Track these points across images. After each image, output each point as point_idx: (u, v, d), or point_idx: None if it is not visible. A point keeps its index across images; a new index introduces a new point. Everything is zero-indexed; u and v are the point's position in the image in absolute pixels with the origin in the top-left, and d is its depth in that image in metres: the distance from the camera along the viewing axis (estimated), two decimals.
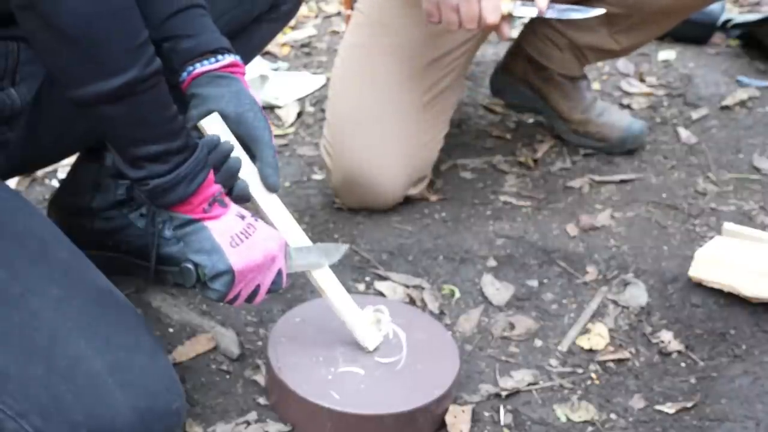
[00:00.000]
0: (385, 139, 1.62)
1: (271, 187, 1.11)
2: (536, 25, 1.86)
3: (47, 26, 0.87)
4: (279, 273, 1.09)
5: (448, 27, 1.43)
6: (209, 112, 1.08)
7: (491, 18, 1.38)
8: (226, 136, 1.08)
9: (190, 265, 1.03)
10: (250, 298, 1.08)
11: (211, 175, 1.01)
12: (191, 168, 0.97)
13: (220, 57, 1.09)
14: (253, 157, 1.11)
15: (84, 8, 0.86)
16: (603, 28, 1.78)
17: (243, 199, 1.08)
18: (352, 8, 1.80)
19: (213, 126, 1.08)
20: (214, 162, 1.04)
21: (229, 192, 1.07)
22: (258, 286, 1.07)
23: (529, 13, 1.41)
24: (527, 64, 1.91)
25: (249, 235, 1.03)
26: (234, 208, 1.04)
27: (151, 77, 0.92)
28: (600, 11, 1.49)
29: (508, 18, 1.42)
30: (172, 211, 1.00)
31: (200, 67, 1.08)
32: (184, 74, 1.09)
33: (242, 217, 1.04)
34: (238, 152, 1.09)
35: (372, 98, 1.63)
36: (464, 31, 1.43)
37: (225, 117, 1.08)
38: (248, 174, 1.09)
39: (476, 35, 1.67)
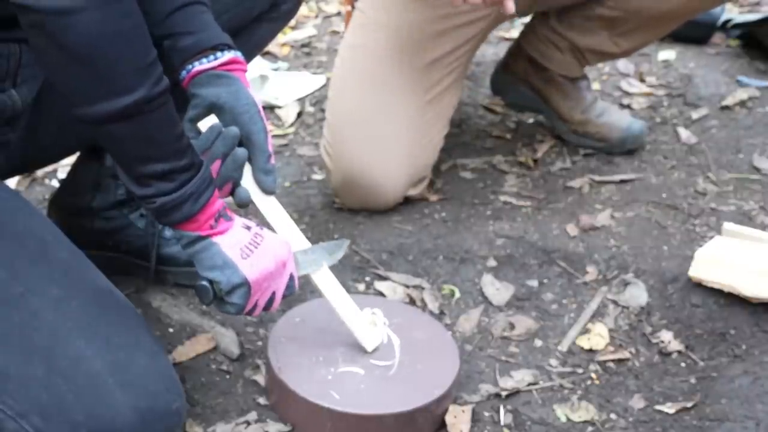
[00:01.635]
0: (386, 139, 1.62)
1: (265, 192, 1.11)
2: (537, 26, 1.87)
3: (55, 45, 0.86)
4: (291, 277, 1.10)
5: (453, 3, 1.42)
6: (206, 114, 1.08)
7: None
8: None
9: (205, 283, 1.03)
10: (267, 306, 1.08)
11: (216, 193, 1.01)
12: (197, 186, 0.97)
13: (219, 54, 1.09)
14: (249, 158, 1.10)
15: (92, 28, 0.85)
16: (603, 31, 1.78)
17: (243, 205, 1.08)
18: (352, 6, 1.80)
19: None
20: (221, 150, 1.04)
21: (231, 192, 1.07)
22: (273, 293, 1.08)
23: None
24: (528, 64, 1.91)
25: (258, 244, 1.04)
26: (239, 220, 1.04)
27: (159, 96, 0.92)
28: None
29: None
30: (179, 229, 1.00)
31: (199, 66, 1.08)
32: (183, 73, 1.09)
33: (248, 228, 1.04)
34: None
35: (372, 98, 1.63)
36: (468, 6, 1.40)
37: (221, 119, 1.08)
38: (245, 176, 1.09)
39: (476, 35, 1.68)
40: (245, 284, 1.02)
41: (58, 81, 0.91)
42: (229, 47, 1.10)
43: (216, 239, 1.01)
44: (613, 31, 1.77)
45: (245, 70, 1.12)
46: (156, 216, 0.98)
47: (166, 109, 0.93)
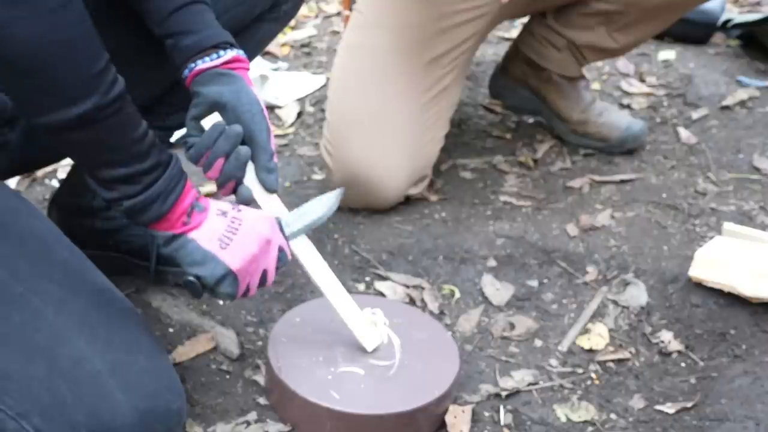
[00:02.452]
0: (386, 138, 1.62)
1: (267, 190, 1.11)
2: (534, 26, 1.87)
3: None
4: (281, 250, 1.09)
5: None
6: (209, 112, 1.08)
7: None
8: None
9: (191, 278, 1.02)
10: (261, 284, 1.07)
11: (188, 186, 1.00)
12: (164, 186, 0.96)
13: (221, 52, 1.08)
14: (251, 157, 1.10)
15: (34, 39, 0.84)
16: (601, 27, 1.78)
17: (245, 203, 1.08)
18: (350, 9, 1.80)
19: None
20: (224, 149, 1.03)
21: (234, 191, 1.07)
22: (265, 271, 1.07)
23: None
24: (526, 66, 1.91)
25: (236, 230, 1.02)
26: (213, 208, 1.03)
27: (113, 103, 0.90)
28: None
29: None
30: (152, 229, 0.99)
31: (201, 64, 1.08)
32: (186, 71, 1.09)
33: (224, 214, 1.03)
34: None
35: (372, 98, 1.63)
36: (468, 4, 1.42)
37: (224, 117, 1.08)
38: (248, 174, 1.09)
39: (476, 33, 1.68)
40: (229, 274, 1.02)
41: (8, 93, 0.90)
42: (232, 46, 1.10)
43: (191, 235, 1.00)
44: (611, 27, 1.78)
45: (248, 69, 1.11)
46: (127, 217, 0.98)
47: (122, 114, 0.92)
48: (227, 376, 1.30)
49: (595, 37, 1.81)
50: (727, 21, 2.48)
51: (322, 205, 1.16)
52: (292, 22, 2.59)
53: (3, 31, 0.83)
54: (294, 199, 1.74)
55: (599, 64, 2.28)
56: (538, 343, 1.40)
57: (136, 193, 0.95)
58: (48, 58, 0.85)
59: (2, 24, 0.82)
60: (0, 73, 0.87)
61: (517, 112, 2.06)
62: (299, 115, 2.11)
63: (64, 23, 0.86)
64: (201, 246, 1.00)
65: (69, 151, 0.94)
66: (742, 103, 2.12)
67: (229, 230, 1.02)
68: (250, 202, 1.09)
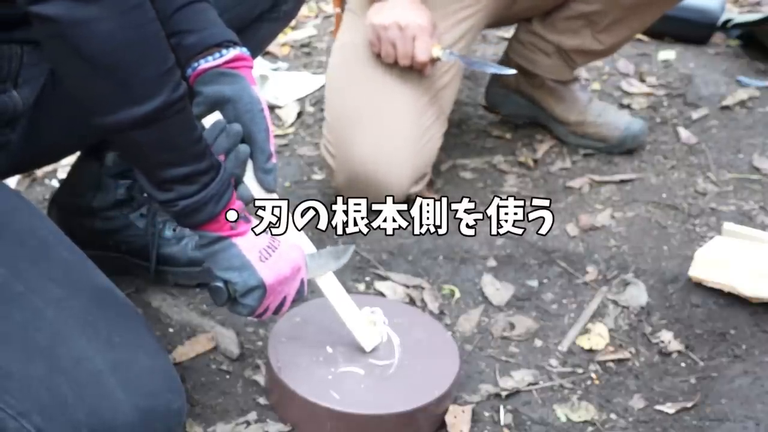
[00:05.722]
0: (388, 137, 1.62)
1: (266, 190, 1.11)
2: (522, 34, 1.88)
3: (77, 56, 0.86)
4: (302, 282, 1.11)
5: (385, 59, 1.59)
6: (210, 111, 1.08)
7: (421, 57, 1.56)
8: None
9: (219, 284, 1.04)
10: (277, 310, 1.09)
11: (235, 193, 1.02)
12: (218, 187, 0.98)
13: (224, 51, 1.08)
14: (250, 156, 1.11)
15: (115, 37, 0.86)
16: (586, 29, 1.79)
17: (245, 202, 1.08)
18: (342, 8, 1.81)
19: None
20: (224, 146, 1.04)
21: (234, 186, 1.07)
22: (284, 298, 1.08)
23: (453, 61, 1.61)
24: (518, 73, 1.91)
25: (275, 248, 1.05)
26: (256, 222, 1.05)
27: (178, 101, 0.92)
28: (511, 71, 1.65)
29: (435, 61, 1.59)
30: (201, 230, 1.00)
31: (204, 64, 1.08)
32: (189, 71, 1.09)
33: (266, 232, 1.05)
34: None
35: (371, 97, 1.63)
36: (401, 64, 1.58)
37: (224, 116, 1.08)
38: (247, 173, 1.09)
39: (470, 29, 1.69)
40: (261, 287, 1.03)
41: (80, 92, 0.91)
42: (235, 44, 1.10)
43: (236, 240, 1.02)
44: (594, 28, 1.79)
45: (251, 67, 1.11)
46: (177, 219, 0.99)
47: (185, 114, 0.94)
48: (227, 376, 1.30)
49: (580, 41, 1.82)
50: (727, 21, 2.48)
51: (336, 257, 1.18)
52: (292, 22, 2.59)
53: (83, 28, 0.84)
54: (294, 199, 1.74)
55: (599, 63, 2.28)
56: (538, 343, 1.40)
57: (192, 193, 0.96)
58: (123, 56, 0.87)
59: (82, 21, 0.84)
60: (75, 71, 0.88)
61: (514, 119, 2.06)
62: (299, 115, 2.11)
63: (139, 23, 0.88)
64: (242, 253, 1.02)
65: (131, 150, 0.95)
66: (742, 103, 2.12)
67: (269, 246, 1.04)
68: (249, 201, 1.09)
